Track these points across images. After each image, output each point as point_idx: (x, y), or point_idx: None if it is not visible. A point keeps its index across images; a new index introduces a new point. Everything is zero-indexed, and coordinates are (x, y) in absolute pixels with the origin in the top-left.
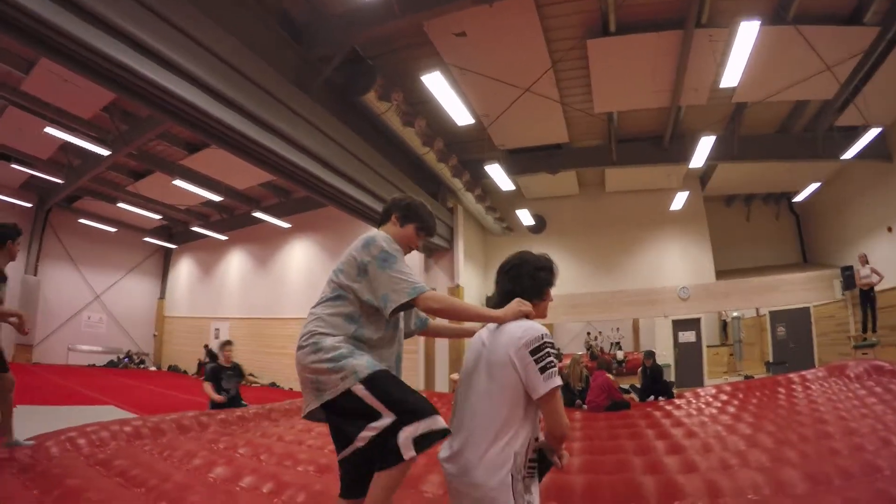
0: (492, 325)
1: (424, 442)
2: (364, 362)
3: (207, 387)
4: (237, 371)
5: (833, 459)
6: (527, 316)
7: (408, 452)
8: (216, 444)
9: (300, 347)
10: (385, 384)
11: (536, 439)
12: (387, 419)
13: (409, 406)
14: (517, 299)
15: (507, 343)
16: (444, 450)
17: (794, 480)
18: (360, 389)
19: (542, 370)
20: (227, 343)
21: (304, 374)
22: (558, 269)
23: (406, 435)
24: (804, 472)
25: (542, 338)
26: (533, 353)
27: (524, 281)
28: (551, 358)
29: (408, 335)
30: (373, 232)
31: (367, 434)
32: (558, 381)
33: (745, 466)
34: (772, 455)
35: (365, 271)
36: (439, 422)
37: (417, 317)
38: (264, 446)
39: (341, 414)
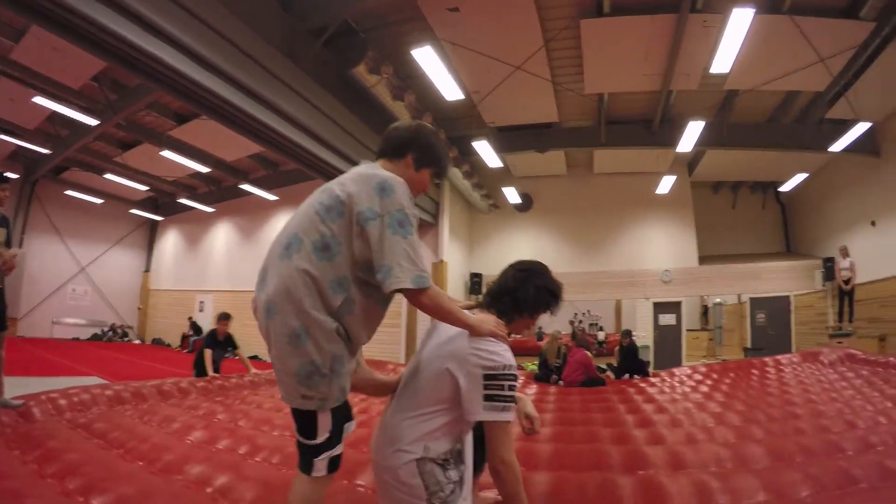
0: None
1: (335, 463)
2: (340, 387)
3: (208, 354)
4: (228, 342)
5: (797, 438)
6: (499, 336)
7: (319, 472)
8: (196, 409)
9: (271, 311)
10: (340, 417)
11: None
12: (318, 440)
13: (338, 432)
14: (497, 321)
15: (462, 357)
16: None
17: (757, 456)
18: (322, 416)
19: (488, 398)
20: (225, 317)
21: (275, 359)
22: (561, 305)
23: (325, 456)
24: (768, 449)
25: (505, 368)
26: (487, 378)
27: (529, 290)
28: (506, 392)
29: None
30: (383, 171)
31: (300, 438)
32: (505, 417)
33: (710, 441)
34: (738, 432)
35: (364, 223)
36: (342, 446)
37: None
38: (243, 412)
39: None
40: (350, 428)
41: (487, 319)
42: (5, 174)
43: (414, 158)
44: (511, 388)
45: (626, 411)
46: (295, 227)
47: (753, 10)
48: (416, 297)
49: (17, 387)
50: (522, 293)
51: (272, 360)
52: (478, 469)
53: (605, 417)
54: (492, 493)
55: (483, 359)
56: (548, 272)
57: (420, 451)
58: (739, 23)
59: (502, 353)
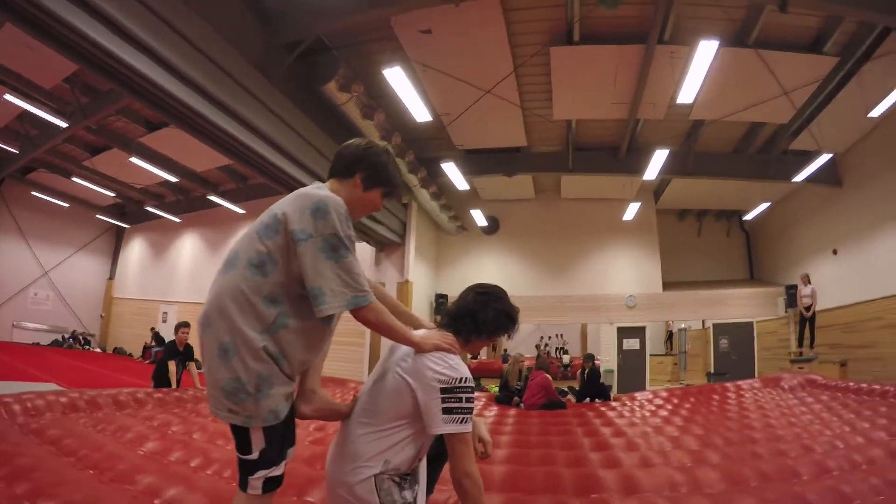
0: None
1: (272, 484)
2: (269, 408)
3: (173, 366)
4: (188, 353)
5: (754, 463)
6: (445, 349)
7: (254, 490)
8: (151, 420)
9: (205, 324)
10: (276, 435)
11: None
12: (252, 456)
13: (275, 453)
14: (442, 333)
15: (419, 371)
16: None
17: (711, 481)
18: (254, 432)
19: (446, 411)
20: (184, 325)
21: (206, 371)
22: (518, 329)
23: (260, 475)
24: (723, 473)
25: (462, 381)
26: (444, 391)
27: (488, 313)
28: (464, 404)
29: None
30: (322, 191)
31: (237, 453)
32: (463, 428)
33: (666, 465)
34: (694, 456)
35: (296, 244)
36: (282, 468)
37: None
38: (199, 425)
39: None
40: (290, 454)
41: (431, 335)
42: None
43: (362, 178)
44: (469, 399)
45: (583, 434)
46: (237, 246)
47: (718, 43)
48: (358, 314)
49: None
50: (482, 315)
51: (204, 371)
52: (429, 489)
53: (562, 440)
54: None
55: (438, 373)
56: (506, 297)
57: (380, 466)
58: (705, 55)
59: (456, 367)
